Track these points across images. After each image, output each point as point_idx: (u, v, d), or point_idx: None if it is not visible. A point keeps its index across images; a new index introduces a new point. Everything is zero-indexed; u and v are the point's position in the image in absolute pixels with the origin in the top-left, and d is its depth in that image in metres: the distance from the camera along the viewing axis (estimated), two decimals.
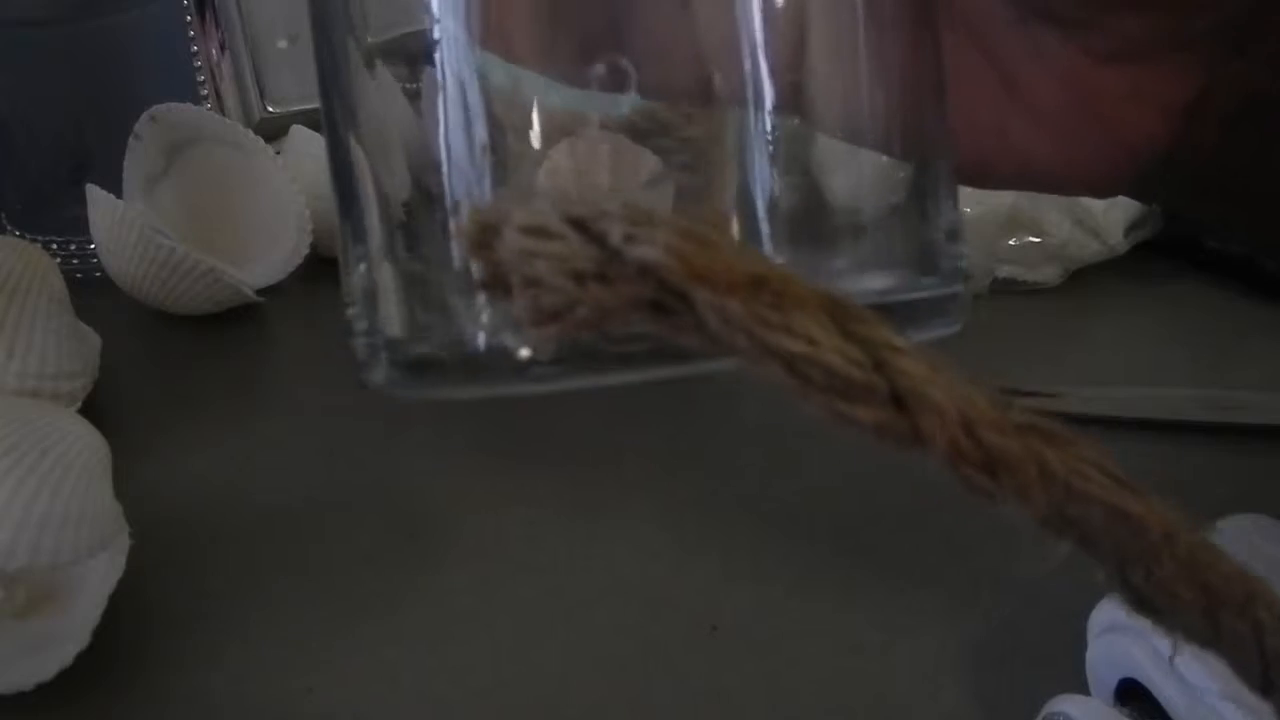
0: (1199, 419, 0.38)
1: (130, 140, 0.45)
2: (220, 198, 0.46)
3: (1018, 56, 0.22)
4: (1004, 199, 0.45)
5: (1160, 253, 0.48)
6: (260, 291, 0.44)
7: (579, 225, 0.14)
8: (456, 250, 0.18)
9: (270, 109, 0.54)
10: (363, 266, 0.19)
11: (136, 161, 0.45)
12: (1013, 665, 0.29)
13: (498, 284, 0.15)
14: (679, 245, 0.14)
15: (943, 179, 0.21)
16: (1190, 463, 0.36)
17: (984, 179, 0.24)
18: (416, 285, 0.19)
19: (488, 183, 0.18)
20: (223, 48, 0.52)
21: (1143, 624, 0.24)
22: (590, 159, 0.31)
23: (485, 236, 0.15)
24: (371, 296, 0.19)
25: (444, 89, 0.18)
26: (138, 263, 0.41)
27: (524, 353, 0.17)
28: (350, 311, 0.20)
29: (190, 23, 0.49)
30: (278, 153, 0.46)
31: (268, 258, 0.45)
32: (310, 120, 0.51)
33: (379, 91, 0.20)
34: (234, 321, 0.43)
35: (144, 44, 0.46)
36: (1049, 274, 0.46)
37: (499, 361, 0.18)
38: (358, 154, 0.19)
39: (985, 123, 0.23)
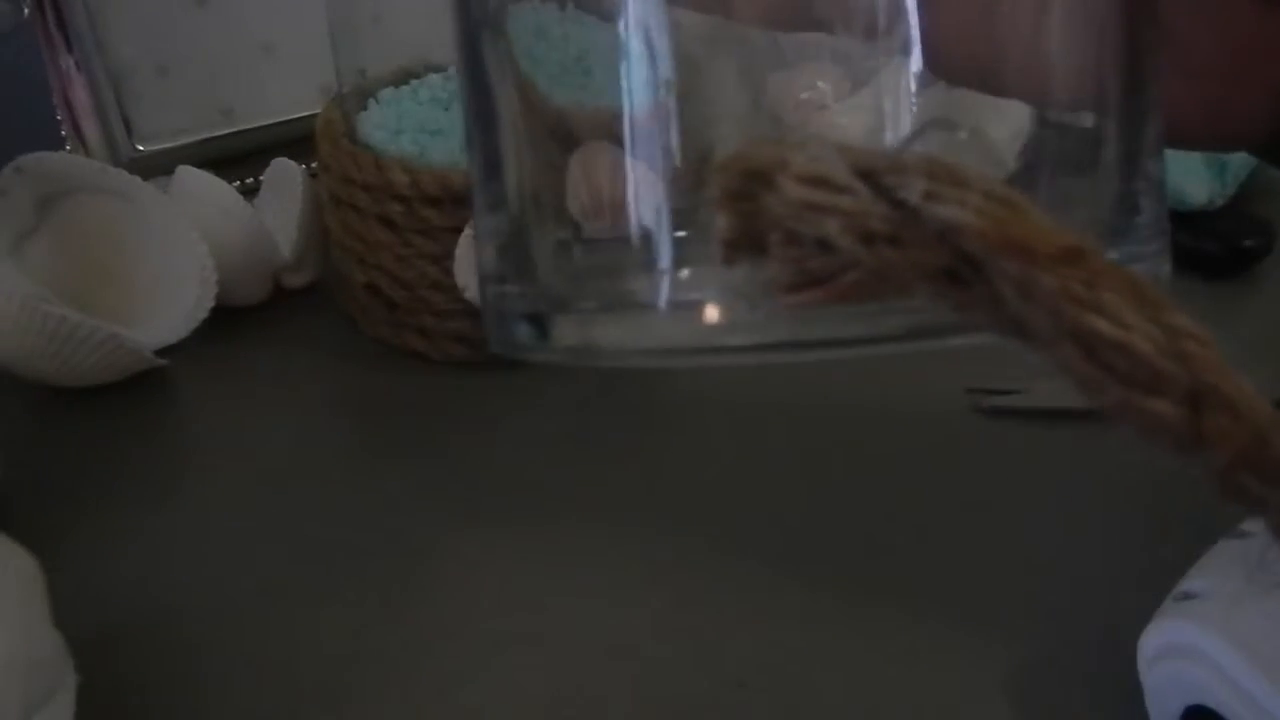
0: None
1: None
2: (102, 253, 0.41)
3: (1172, 3, 0.22)
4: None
5: None
6: (160, 352, 0.39)
7: (871, 178, 0.12)
8: (636, 207, 0.15)
9: (140, 147, 0.50)
10: (503, 219, 0.18)
11: (1, 219, 0.40)
12: (1059, 697, 0.28)
13: (746, 243, 0.13)
14: (989, 208, 0.12)
15: (1152, 136, 0.19)
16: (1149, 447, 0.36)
17: None
18: (572, 241, 0.17)
19: (674, 136, 0.16)
20: (78, 69, 0.47)
21: (1204, 645, 0.24)
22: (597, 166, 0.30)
23: (748, 185, 0.13)
24: (513, 251, 0.17)
25: (629, 42, 0.16)
26: (21, 336, 0.36)
27: (762, 315, 0.14)
28: (485, 265, 0.18)
29: (48, 60, 0.44)
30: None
31: (166, 315, 0.41)
32: (190, 157, 0.47)
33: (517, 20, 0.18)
34: (137, 389, 0.39)
35: None
36: None
37: (683, 328, 0.15)
38: (507, 103, 0.18)
39: None
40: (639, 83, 0.17)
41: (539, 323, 0.18)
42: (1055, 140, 0.19)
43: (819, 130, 0.19)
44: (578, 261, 0.18)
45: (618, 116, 0.17)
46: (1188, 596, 0.25)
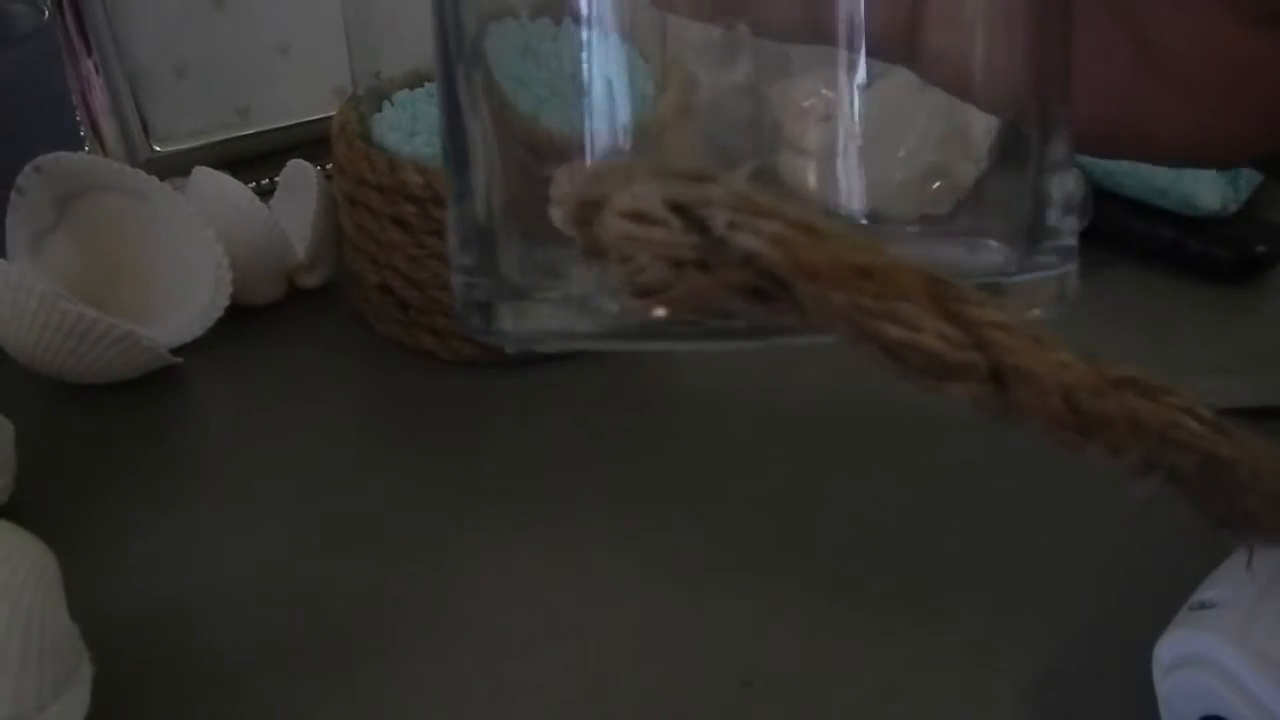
0: None
1: (12, 195, 0.40)
2: (119, 251, 0.42)
3: (1158, 19, 0.21)
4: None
5: (1091, 239, 0.49)
6: (175, 350, 0.40)
7: (681, 210, 0.14)
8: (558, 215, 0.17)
9: (157, 148, 0.50)
10: (471, 212, 0.19)
11: (21, 217, 0.40)
12: (1071, 705, 0.28)
13: (598, 255, 0.15)
14: (785, 234, 0.14)
15: (1061, 150, 0.20)
16: None
17: (1103, 147, 0.23)
18: (526, 236, 0.19)
19: (625, 139, 0.18)
20: (97, 71, 0.47)
21: (1220, 656, 0.24)
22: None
23: (585, 213, 0.15)
24: (477, 241, 0.19)
25: (589, 47, 0.18)
26: (39, 333, 0.37)
27: (615, 312, 0.17)
28: (454, 254, 0.20)
29: (67, 61, 0.45)
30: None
31: (181, 313, 0.41)
32: (206, 158, 0.47)
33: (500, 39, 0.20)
34: (152, 386, 0.39)
35: (17, 87, 0.42)
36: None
37: (600, 318, 0.18)
38: (476, 102, 0.20)
39: (1113, 88, 0.22)
40: (624, 99, 0.18)
41: (490, 310, 0.19)
42: (1003, 140, 0.20)
43: (818, 139, 0.21)
44: (539, 261, 0.19)
45: (603, 132, 0.18)
46: (1204, 606, 0.25)
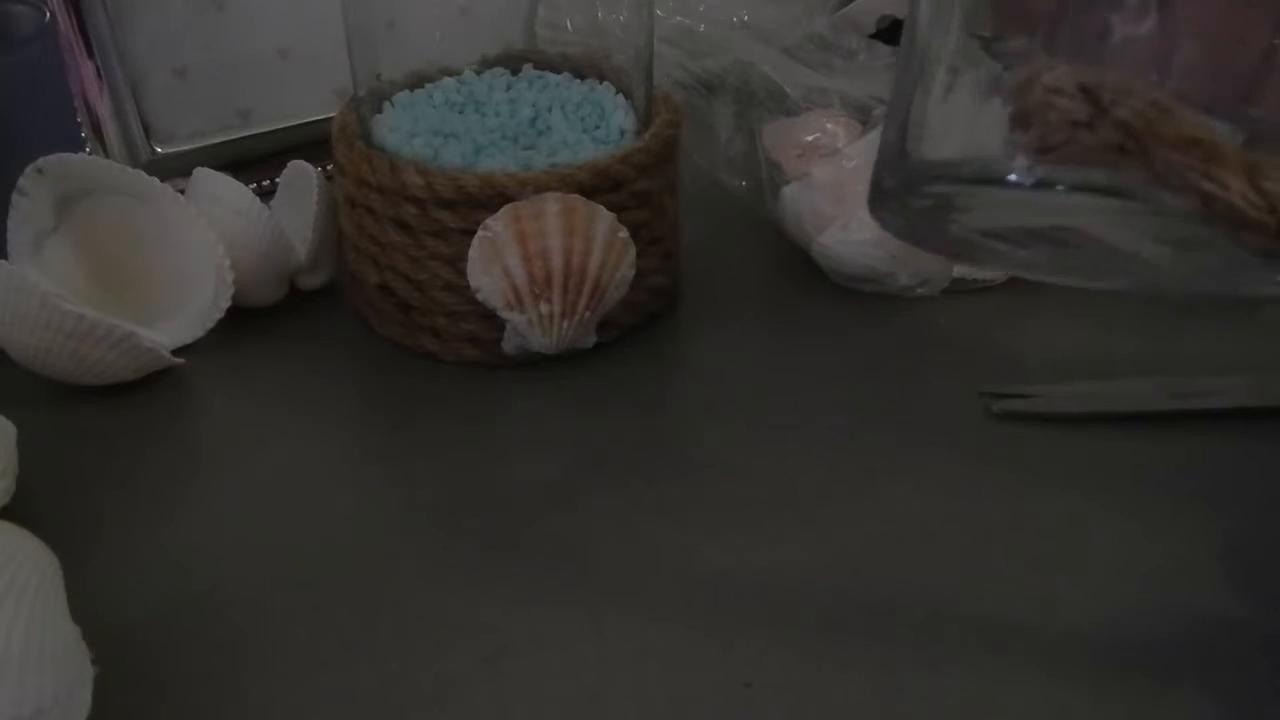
0: (1168, 408, 0.38)
1: (14, 196, 0.40)
2: (120, 253, 0.42)
3: None
4: None
5: None
6: (177, 351, 0.40)
7: (1084, 89, 0.22)
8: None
9: (158, 149, 0.50)
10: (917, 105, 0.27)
11: (23, 219, 0.40)
12: (1077, 706, 0.28)
13: (1023, 121, 0.23)
14: (1146, 110, 0.21)
15: None
16: (1159, 450, 0.37)
17: None
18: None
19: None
20: (98, 73, 0.47)
21: None
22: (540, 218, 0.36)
23: (1022, 87, 0.23)
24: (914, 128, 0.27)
25: None
26: (41, 334, 0.37)
27: (1023, 168, 0.24)
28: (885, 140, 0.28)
29: (69, 63, 0.45)
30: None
31: (183, 314, 0.41)
32: (207, 159, 0.47)
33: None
34: (154, 387, 0.40)
35: (19, 89, 0.42)
36: (997, 271, 0.46)
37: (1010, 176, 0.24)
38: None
39: None
40: None
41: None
42: None
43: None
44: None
45: None
46: None
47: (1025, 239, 0.26)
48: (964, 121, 0.27)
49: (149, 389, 0.39)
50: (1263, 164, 0.21)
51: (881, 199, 0.28)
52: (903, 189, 0.27)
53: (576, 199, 0.38)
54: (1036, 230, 0.26)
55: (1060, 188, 0.24)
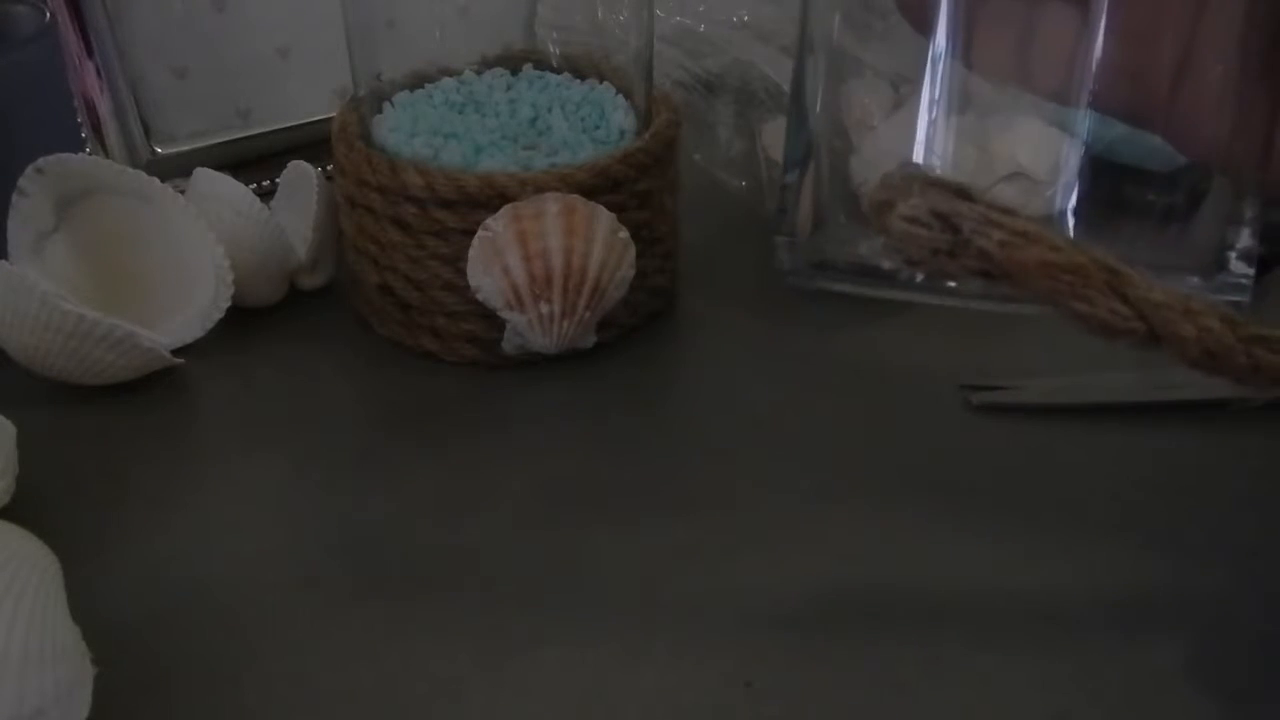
0: (1149, 399, 0.38)
1: (14, 196, 0.40)
2: (120, 253, 0.42)
3: None
4: None
5: None
6: (177, 352, 0.40)
7: (941, 218, 0.22)
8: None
9: (158, 149, 0.50)
10: (800, 190, 0.29)
11: (22, 219, 0.40)
12: (1077, 705, 0.28)
13: (883, 232, 0.24)
14: (1007, 240, 0.22)
15: (1253, 204, 0.28)
16: (1143, 442, 0.37)
17: None
18: (830, 211, 0.29)
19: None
20: (98, 73, 0.47)
21: None
22: (540, 218, 0.37)
23: (879, 210, 0.24)
24: (796, 210, 0.29)
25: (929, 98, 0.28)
26: (40, 334, 0.37)
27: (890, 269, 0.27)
28: (778, 215, 0.31)
29: (69, 63, 0.45)
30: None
31: (183, 315, 0.41)
32: (207, 159, 0.47)
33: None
34: (154, 388, 0.40)
35: (19, 89, 0.42)
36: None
37: (877, 272, 0.27)
38: (816, 107, 0.29)
39: None
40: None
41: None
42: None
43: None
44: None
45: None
46: None
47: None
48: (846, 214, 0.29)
49: (149, 389, 0.39)
50: (1125, 274, 0.22)
51: (781, 259, 0.31)
52: (803, 273, 0.30)
53: (576, 199, 0.38)
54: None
55: (950, 284, 0.26)
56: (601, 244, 0.38)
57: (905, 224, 0.23)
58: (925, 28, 0.27)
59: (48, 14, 0.43)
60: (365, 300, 0.42)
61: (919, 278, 0.26)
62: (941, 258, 0.22)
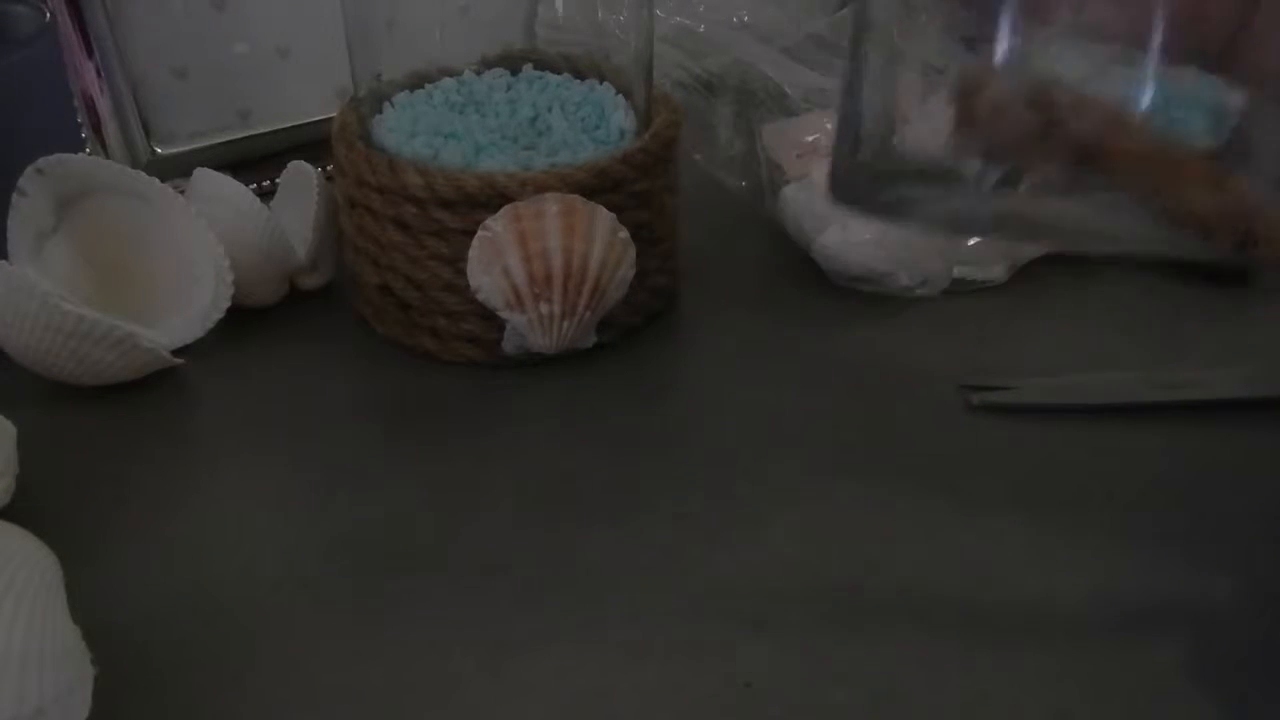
0: (1148, 400, 0.38)
1: (14, 197, 0.40)
2: (120, 253, 0.42)
3: None
4: None
5: None
6: (177, 352, 0.40)
7: (1034, 101, 0.22)
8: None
9: (158, 149, 0.50)
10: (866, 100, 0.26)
11: (23, 219, 0.40)
12: (1075, 703, 0.28)
13: (966, 121, 0.23)
14: (1101, 124, 0.22)
15: None
16: (1142, 442, 0.37)
17: None
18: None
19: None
20: (98, 73, 0.47)
21: None
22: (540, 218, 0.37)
23: (966, 94, 0.23)
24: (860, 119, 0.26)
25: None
26: (41, 334, 0.37)
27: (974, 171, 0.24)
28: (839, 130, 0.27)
29: (69, 63, 0.45)
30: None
31: (183, 315, 0.41)
32: (207, 159, 0.47)
33: None
34: (154, 388, 0.40)
35: (19, 89, 0.42)
36: (998, 271, 0.46)
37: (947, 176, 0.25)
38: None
39: None
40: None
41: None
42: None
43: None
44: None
45: None
46: None
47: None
48: (915, 118, 0.27)
49: (149, 389, 0.39)
50: (1209, 168, 0.22)
51: (840, 189, 0.28)
52: (863, 192, 0.27)
53: (576, 199, 0.38)
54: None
55: (1023, 187, 0.24)
56: (601, 244, 0.38)
57: (994, 108, 0.22)
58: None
59: (48, 14, 0.43)
60: (365, 300, 0.42)
61: (993, 177, 0.24)
62: (1032, 142, 0.22)
